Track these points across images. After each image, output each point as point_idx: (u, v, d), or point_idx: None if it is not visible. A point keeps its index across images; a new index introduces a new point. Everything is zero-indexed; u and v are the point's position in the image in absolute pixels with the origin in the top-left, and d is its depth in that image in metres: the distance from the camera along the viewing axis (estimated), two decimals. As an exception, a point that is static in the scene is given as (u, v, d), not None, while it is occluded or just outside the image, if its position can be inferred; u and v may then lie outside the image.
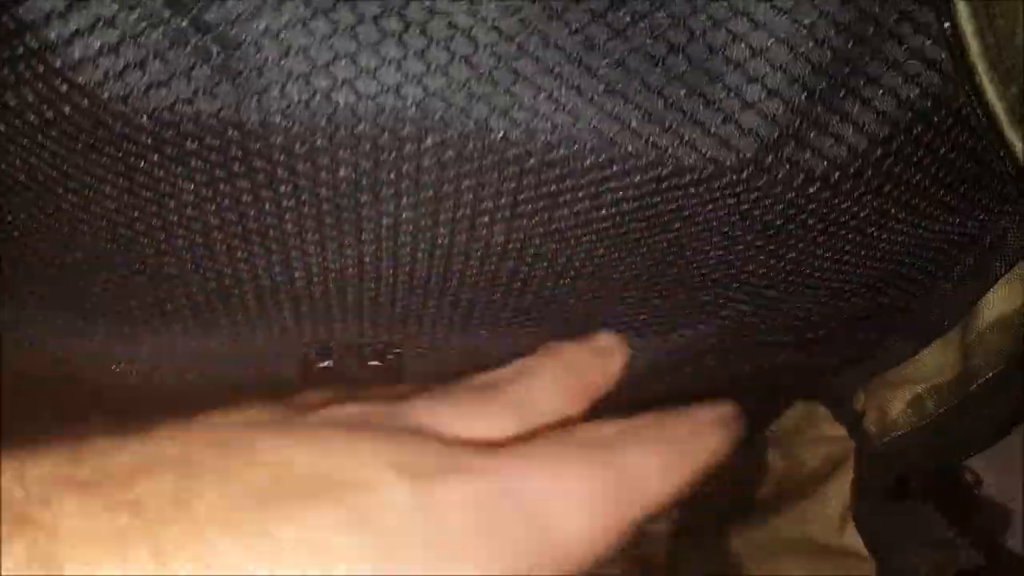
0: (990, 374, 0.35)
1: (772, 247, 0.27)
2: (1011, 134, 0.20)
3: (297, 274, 0.25)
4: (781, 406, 0.45)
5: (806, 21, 0.21)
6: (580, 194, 0.23)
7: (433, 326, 0.29)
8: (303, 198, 0.23)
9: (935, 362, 0.38)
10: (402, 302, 0.27)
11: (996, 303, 0.34)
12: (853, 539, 0.43)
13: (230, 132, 0.21)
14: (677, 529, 0.57)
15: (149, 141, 0.21)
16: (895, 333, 0.37)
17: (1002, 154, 0.21)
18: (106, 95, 0.20)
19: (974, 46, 0.19)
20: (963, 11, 0.18)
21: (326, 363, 0.31)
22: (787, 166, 0.23)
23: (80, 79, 0.20)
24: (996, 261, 0.32)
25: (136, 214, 0.23)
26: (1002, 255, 0.31)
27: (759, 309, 0.31)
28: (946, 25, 0.19)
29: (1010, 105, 0.20)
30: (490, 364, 0.28)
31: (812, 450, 0.46)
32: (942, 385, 0.38)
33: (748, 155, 0.22)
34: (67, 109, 0.20)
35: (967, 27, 0.19)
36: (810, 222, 0.25)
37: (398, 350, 0.31)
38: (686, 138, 0.22)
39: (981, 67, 0.19)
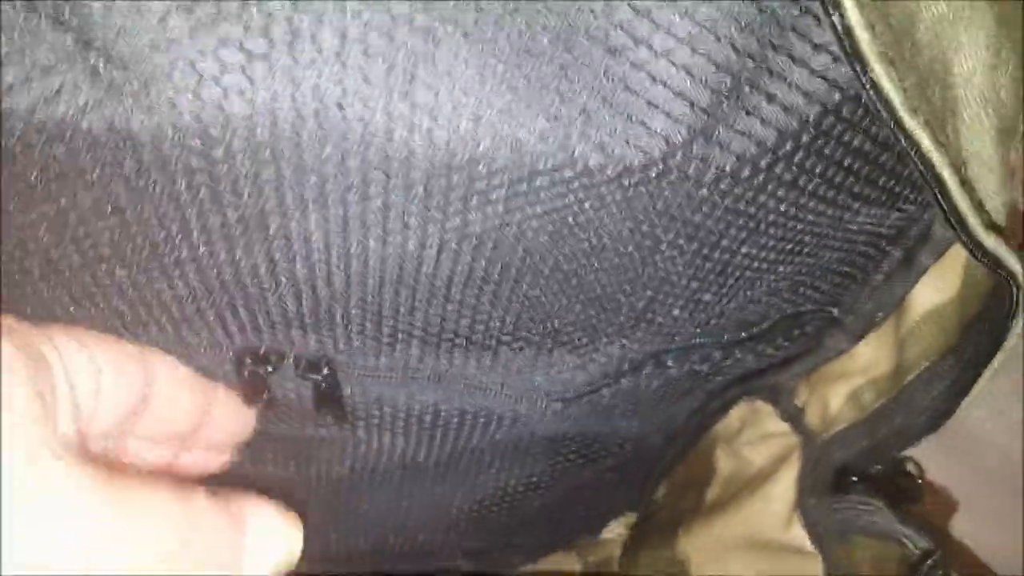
0: (925, 365, 0.35)
1: (695, 247, 0.26)
2: (911, 124, 0.20)
3: (211, 284, 0.25)
4: (726, 405, 0.45)
5: (707, 21, 0.21)
6: (491, 197, 0.23)
7: (361, 338, 0.29)
8: (206, 208, 0.22)
9: (871, 355, 0.38)
10: (325, 311, 0.27)
11: (927, 295, 0.34)
12: (799, 534, 0.43)
13: (123, 145, 0.20)
14: (629, 535, 0.57)
15: (42, 157, 0.20)
16: (832, 328, 0.37)
17: (908, 147, 0.21)
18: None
19: (864, 38, 0.18)
20: (853, 13, 0.18)
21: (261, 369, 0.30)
22: (696, 162, 0.22)
23: None
24: (924, 253, 0.32)
25: (39, 232, 0.23)
26: (929, 247, 0.32)
27: (692, 312, 0.31)
28: (834, 18, 0.19)
29: (907, 96, 0.20)
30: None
31: (757, 449, 0.46)
32: (879, 377, 0.38)
33: (656, 154, 0.22)
34: None
35: (861, 33, 0.19)
36: (728, 218, 0.25)
37: (329, 367, 0.30)
38: (593, 140, 0.22)
39: (872, 59, 0.19)
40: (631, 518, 0.57)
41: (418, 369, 0.30)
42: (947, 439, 0.38)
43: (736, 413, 0.47)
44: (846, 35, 0.19)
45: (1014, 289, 0.25)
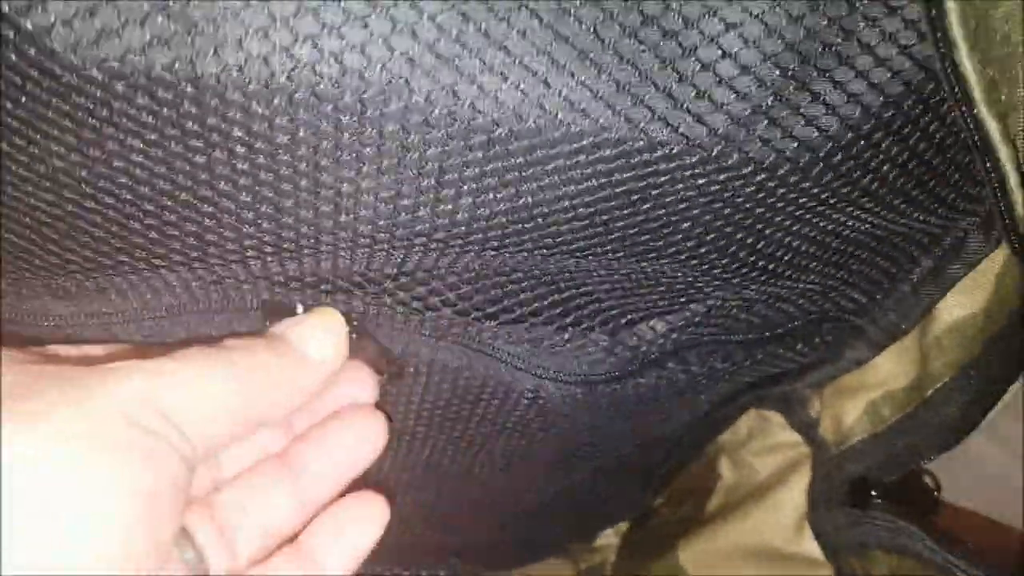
0: (946, 379, 0.35)
1: (740, 234, 0.26)
2: (983, 112, 0.20)
3: (251, 241, 0.24)
4: (736, 413, 0.45)
5: None
6: (549, 167, 0.22)
7: (393, 303, 0.28)
8: (259, 161, 0.22)
9: (890, 368, 0.38)
10: (360, 273, 0.26)
11: (953, 308, 0.34)
12: (810, 545, 0.42)
13: (183, 87, 0.20)
14: (626, 541, 0.56)
15: (99, 94, 0.20)
16: (853, 337, 0.37)
17: (976, 138, 0.21)
18: (54, 43, 0.19)
19: (956, 26, 0.18)
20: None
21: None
22: (758, 144, 0.22)
23: (27, 24, 0.19)
24: (955, 264, 0.32)
25: (85, 173, 0.22)
26: (961, 258, 0.31)
27: (725, 302, 0.31)
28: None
29: (986, 86, 0.20)
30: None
31: (765, 458, 0.46)
32: (897, 391, 0.38)
33: (719, 131, 0.22)
34: (13, 57, 0.19)
35: (952, 6, 0.18)
36: (779, 205, 0.25)
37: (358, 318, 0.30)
38: (658, 112, 0.21)
39: (963, 48, 0.19)
40: (624, 526, 0.57)
41: (448, 331, 0.30)
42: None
43: (745, 422, 0.46)
44: (937, 11, 0.19)
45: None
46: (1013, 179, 0.22)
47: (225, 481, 0.27)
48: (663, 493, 0.54)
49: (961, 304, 0.34)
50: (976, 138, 0.21)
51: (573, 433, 0.37)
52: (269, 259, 0.25)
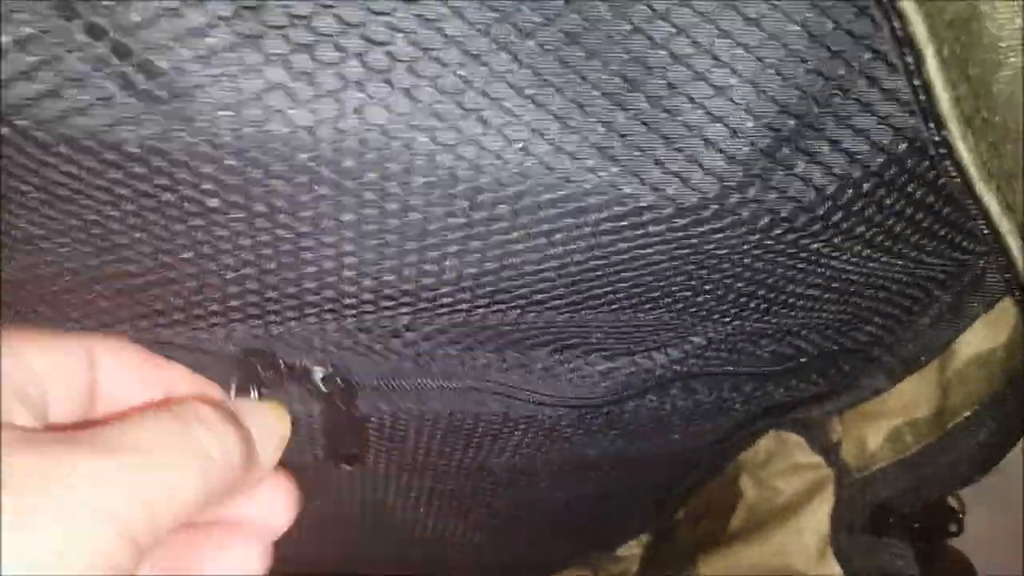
0: (968, 412, 0.34)
1: (740, 285, 0.25)
2: (982, 189, 0.19)
3: (234, 302, 0.24)
4: (753, 436, 0.44)
5: (772, 59, 0.20)
6: (535, 231, 0.22)
7: (384, 358, 0.28)
8: (237, 228, 0.21)
9: (911, 395, 0.37)
10: (349, 337, 0.26)
11: (974, 341, 0.33)
12: (833, 569, 0.42)
13: (155, 161, 0.19)
14: (647, 554, 0.56)
15: (70, 170, 0.20)
16: (871, 367, 0.36)
17: (974, 211, 0.20)
18: (22, 122, 0.19)
19: (944, 99, 0.17)
20: (932, 64, 0.17)
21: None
22: (752, 207, 0.21)
23: None
24: (973, 300, 0.31)
25: (61, 241, 0.22)
26: (981, 294, 0.30)
27: (728, 338, 0.30)
28: (913, 78, 0.18)
29: (982, 160, 0.18)
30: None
31: (786, 479, 0.45)
32: (920, 420, 0.37)
33: (710, 195, 0.21)
34: None
35: (936, 79, 0.17)
36: (779, 259, 0.24)
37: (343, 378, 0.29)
38: (644, 177, 0.21)
39: (952, 124, 0.18)
40: (646, 537, 0.57)
41: (439, 371, 0.29)
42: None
43: (763, 443, 0.46)
44: (924, 92, 0.18)
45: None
46: (1016, 250, 0.21)
47: None
48: (684, 508, 0.54)
49: (983, 338, 0.33)
50: (976, 211, 0.20)
51: (575, 453, 0.37)
52: (253, 322, 0.25)
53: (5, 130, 0.19)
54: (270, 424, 0.24)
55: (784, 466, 0.45)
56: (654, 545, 0.56)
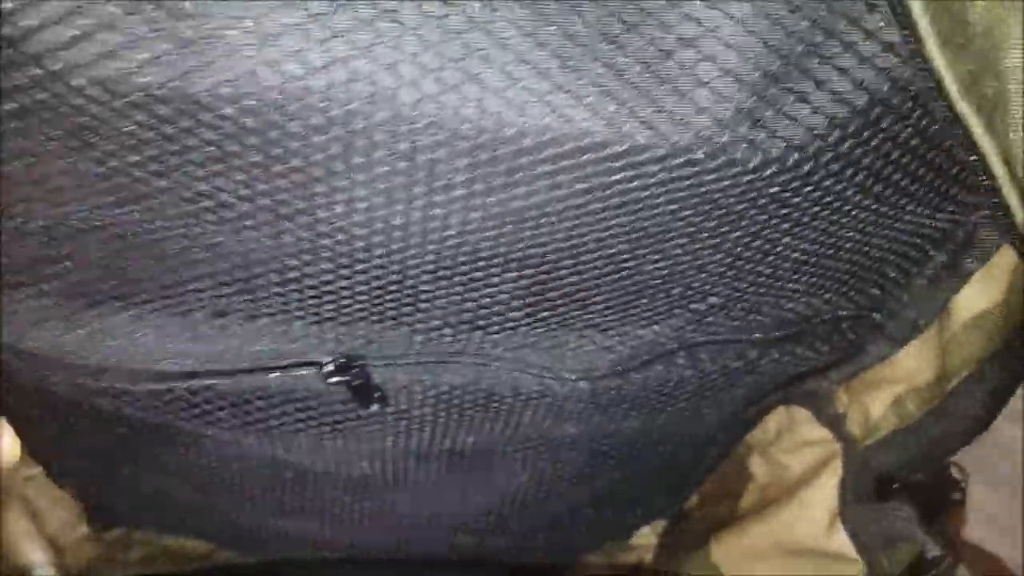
0: (967, 372, 0.35)
1: (736, 235, 0.26)
2: (963, 108, 0.20)
3: (253, 256, 0.25)
4: (762, 412, 0.45)
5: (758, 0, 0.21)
6: (536, 172, 0.23)
7: (395, 322, 0.29)
8: (254, 173, 0.22)
9: (913, 362, 0.37)
10: (360, 292, 0.27)
11: (972, 301, 0.34)
12: (842, 541, 0.42)
13: (178, 103, 0.21)
14: (662, 541, 0.56)
15: (99, 112, 0.21)
16: (873, 333, 0.36)
17: (958, 134, 0.21)
18: (56, 66, 0.20)
19: (923, 22, 0.18)
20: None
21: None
22: (744, 146, 0.23)
23: (30, 49, 0.20)
24: (969, 258, 0.32)
25: (89, 189, 0.23)
26: (974, 251, 0.31)
27: (728, 302, 0.31)
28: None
29: (961, 81, 0.20)
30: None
31: (795, 455, 0.46)
32: (922, 386, 0.38)
33: (703, 133, 0.22)
34: (18, 78, 0.20)
35: (918, 6, 0.18)
36: (772, 207, 0.25)
37: (361, 362, 0.31)
38: (640, 115, 0.22)
39: (931, 42, 0.19)
40: (660, 525, 0.57)
41: (447, 349, 0.31)
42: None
43: (773, 420, 0.46)
44: (903, 11, 0.19)
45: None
46: (1002, 173, 0.22)
47: None
48: (697, 493, 0.54)
49: (979, 298, 0.33)
50: (960, 135, 0.21)
51: (589, 432, 0.38)
52: (276, 288, 0.26)
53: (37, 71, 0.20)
54: None
55: (793, 443, 0.46)
56: (668, 531, 0.56)
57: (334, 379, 0.30)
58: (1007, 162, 0.22)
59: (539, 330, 0.30)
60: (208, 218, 0.24)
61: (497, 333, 0.30)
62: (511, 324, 0.29)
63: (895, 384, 0.38)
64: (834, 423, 0.42)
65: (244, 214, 0.24)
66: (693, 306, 0.30)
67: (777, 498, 0.46)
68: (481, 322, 0.29)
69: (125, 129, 0.21)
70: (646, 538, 0.58)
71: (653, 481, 0.50)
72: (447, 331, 0.29)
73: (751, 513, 0.48)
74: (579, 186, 0.23)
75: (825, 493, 0.43)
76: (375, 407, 0.33)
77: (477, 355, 0.31)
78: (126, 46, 0.20)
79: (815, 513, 0.44)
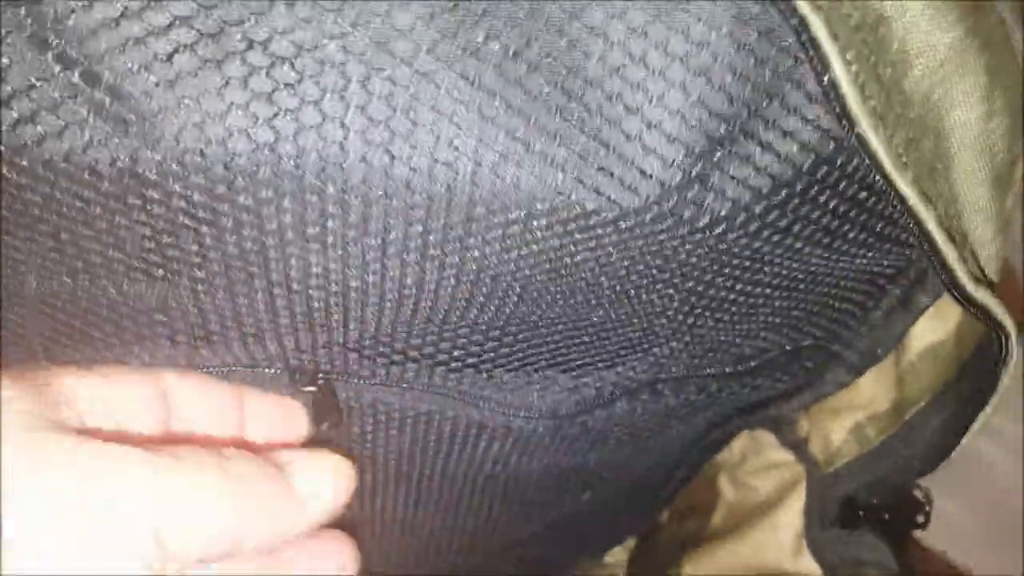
0: (922, 403, 0.35)
1: (690, 284, 0.27)
2: (897, 179, 0.20)
3: (211, 320, 0.25)
4: (727, 436, 0.45)
5: (701, 67, 0.21)
6: (488, 237, 0.23)
7: (358, 358, 0.29)
8: (206, 243, 0.22)
9: (871, 390, 0.38)
10: (323, 338, 0.27)
11: (924, 333, 0.34)
12: (809, 563, 0.43)
13: (127, 181, 0.21)
14: (633, 557, 0.57)
15: (47, 191, 0.21)
16: (832, 363, 0.37)
17: (896, 201, 0.21)
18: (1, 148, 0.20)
19: (851, 94, 0.19)
20: (839, 69, 0.19)
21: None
22: (692, 208, 0.23)
23: None
24: (922, 293, 0.32)
25: (42, 261, 0.23)
26: (927, 287, 0.32)
27: (689, 345, 0.31)
28: (825, 81, 0.19)
29: (896, 153, 0.20)
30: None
31: (761, 477, 0.46)
32: (880, 413, 0.38)
33: (651, 198, 0.22)
34: None
35: (843, 78, 0.19)
36: (723, 260, 0.25)
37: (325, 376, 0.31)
38: (588, 183, 0.22)
39: (860, 116, 0.19)
40: (631, 542, 0.58)
41: (414, 382, 0.31)
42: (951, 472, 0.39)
43: (738, 443, 0.47)
44: (833, 91, 0.19)
45: (1003, 339, 0.25)
46: (939, 237, 0.22)
47: None
48: (668, 509, 0.55)
49: (933, 330, 0.34)
50: (896, 202, 0.21)
51: (555, 463, 0.38)
52: (233, 342, 0.26)
53: None
54: (326, 474, 0.25)
55: (759, 464, 0.46)
56: (639, 548, 0.57)
57: (305, 388, 0.30)
58: (943, 226, 0.22)
59: (502, 371, 0.30)
60: (159, 287, 0.24)
61: (459, 372, 0.30)
62: (471, 365, 0.30)
63: (855, 411, 0.39)
64: (797, 447, 0.43)
65: (198, 279, 0.24)
66: (655, 350, 0.31)
67: (745, 519, 0.47)
68: (441, 359, 0.29)
69: (75, 206, 0.21)
70: (619, 555, 0.58)
71: (622, 504, 0.51)
72: (411, 366, 0.30)
73: (720, 533, 0.49)
74: (532, 247, 0.24)
75: (793, 515, 0.44)
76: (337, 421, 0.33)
77: (443, 388, 0.31)
78: (68, 128, 0.20)
79: (781, 536, 0.44)
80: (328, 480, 0.25)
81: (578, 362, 0.30)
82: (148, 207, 0.21)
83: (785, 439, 0.44)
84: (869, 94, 0.19)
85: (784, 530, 0.44)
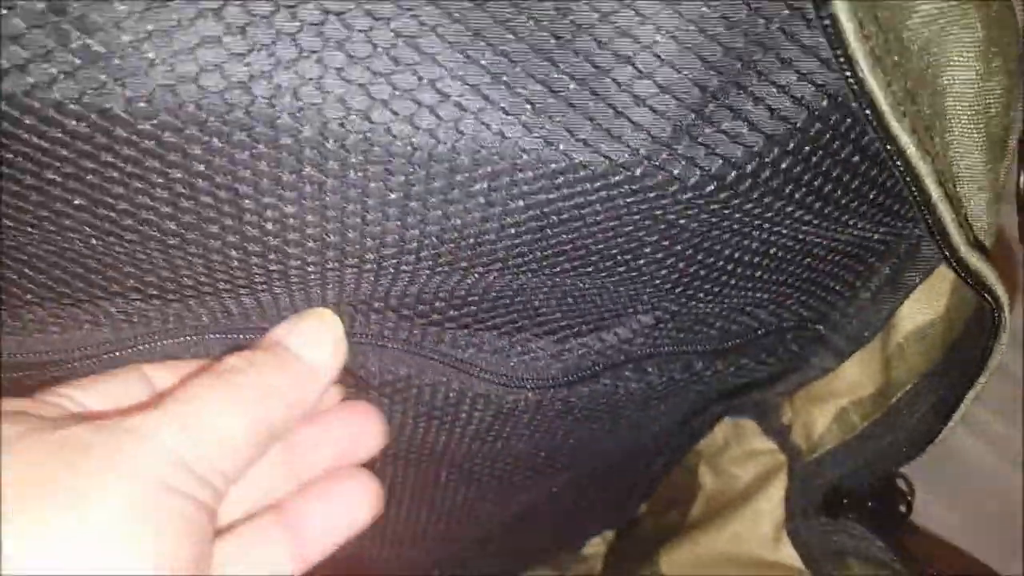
0: (909, 386, 0.35)
1: (678, 248, 0.26)
2: (897, 129, 0.20)
3: (183, 275, 0.24)
4: (709, 422, 0.45)
5: (694, 16, 0.20)
6: (472, 190, 0.22)
7: (336, 309, 0.28)
8: (176, 190, 0.22)
9: (856, 376, 0.37)
10: (299, 290, 0.26)
11: (913, 314, 0.34)
12: (789, 552, 0.42)
13: (94, 119, 0.20)
14: (611, 549, 0.56)
15: (9, 129, 0.20)
16: (817, 345, 0.36)
17: (892, 152, 0.21)
18: None
19: (851, 30, 0.18)
20: (841, 7, 0.18)
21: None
22: (682, 163, 0.22)
23: None
24: (911, 271, 0.32)
25: (4, 209, 0.22)
26: (916, 265, 0.31)
27: (675, 315, 0.30)
28: (825, 21, 0.18)
29: (895, 100, 0.19)
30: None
31: (743, 466, 0.46)
32: (864, 399, 0.38)
33: (641, 151, 0.22)
34: None
35: (847, 24, 0.18)
36: (713, 222, 0.25)
37: None
38: (577, 133, 0.21)
39: (860, 57, 0.18)
40: (611, 534, 0.57)
41: (392, 337, 0.30)
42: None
43: (720, 431, 0.46)
44: (834, 29, 0.19)
45: (995, 309, 0.25)
46: (937, 196, 0.21)
47: (223, 529, 0.26)
48: (647, 501, 0.54)
49: (921, 311, 0.34)
50: (894, 156, 0.21)
51: (536, 441, 0.37)
52: (207, 297, 0.25)
53: None
54: (319, 326, 0.26)
55: (740, 452, 0.46)
56: (617, 540, 0.56)
57: None
58: (941, 183, 0.21)
59: (485, 333, 0.30)
60: (129, 237, 0.23)
61: (439, 326, 0.29)
62: (452, 319, 0.29)
63: (839, 397, 0.39)
64: (779, 434, 0.42)
65: (169, 231, 0.23)
66: (640, 318, 0.30)
67: (726, 508, 0.46)
68: (422, 311, 0.29)
69: (39, 146, 0.20)
70: (597, 548, 0.58)
71: (604, 490, 0.50)
72: (390, 315, 0.29)
73: (699, 523, 0.48)
74: (517, 203, 0.23)
75: (773, 504, 0.43)
76: None
77: (421, 345, 0.30)
78: (33, 61, 0.19)
79: (762, 524, 0.44)
80: (318, 329, 0.26)
81: (562, 322, 0.30)
82: (117, 147, 0.21)
83: (768, 427, 0.43)
84: (868, 34, 0.18)
85: (764, 518, 0.44)
